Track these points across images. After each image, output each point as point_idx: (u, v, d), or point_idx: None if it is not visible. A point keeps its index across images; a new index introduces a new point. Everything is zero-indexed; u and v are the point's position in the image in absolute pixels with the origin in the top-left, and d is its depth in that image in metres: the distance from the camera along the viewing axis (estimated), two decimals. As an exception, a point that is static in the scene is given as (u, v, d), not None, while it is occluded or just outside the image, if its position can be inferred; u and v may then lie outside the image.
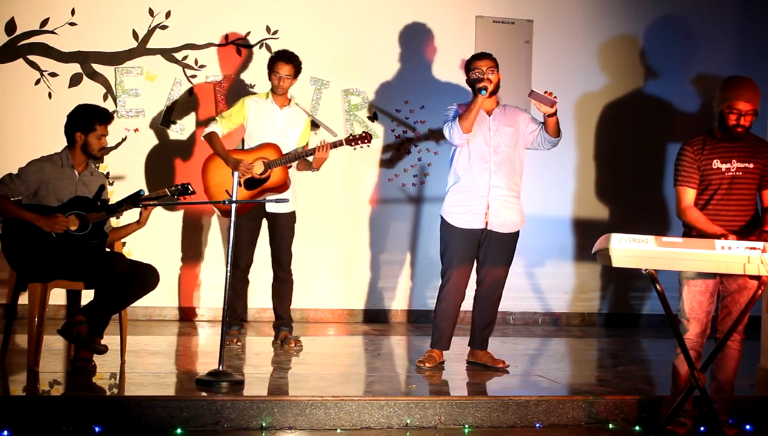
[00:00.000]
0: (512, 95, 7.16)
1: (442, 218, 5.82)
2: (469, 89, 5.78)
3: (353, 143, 6.35)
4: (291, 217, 6.44)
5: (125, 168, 7.46)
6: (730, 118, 4.63)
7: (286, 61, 6.31)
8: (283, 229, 6.41)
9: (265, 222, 6.46)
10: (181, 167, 7.59)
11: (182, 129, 7.62)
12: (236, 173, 5.14)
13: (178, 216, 7.65)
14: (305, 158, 6.32)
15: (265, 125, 6.36)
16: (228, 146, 6.51)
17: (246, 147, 6.40)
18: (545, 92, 5.37)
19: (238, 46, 7.70)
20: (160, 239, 7.45)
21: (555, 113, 5.47)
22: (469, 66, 5.77)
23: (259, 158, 6.25)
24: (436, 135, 7.93)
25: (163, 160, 7.59)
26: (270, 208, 6.33)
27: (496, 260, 5.77)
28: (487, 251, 5.76)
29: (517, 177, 5.78)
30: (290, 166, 6.35)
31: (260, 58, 7.67)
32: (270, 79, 6.37)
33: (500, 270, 5.80)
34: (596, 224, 8.20)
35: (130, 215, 5.76)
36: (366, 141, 6.36)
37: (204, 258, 7.66)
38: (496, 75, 5.69)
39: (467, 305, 5.91)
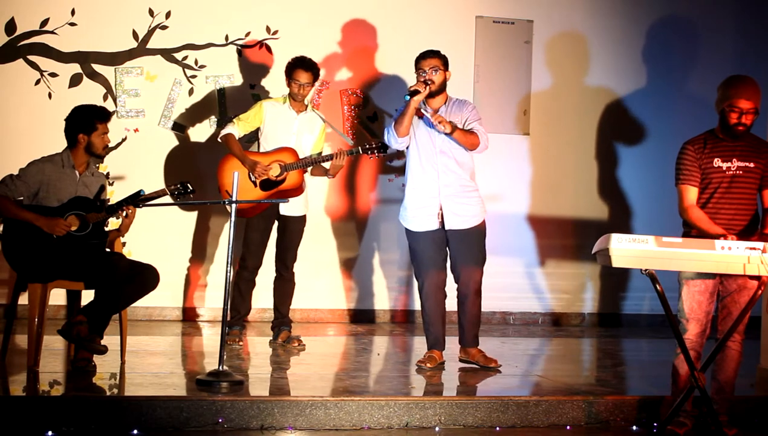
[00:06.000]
0: (512, 95, 7.16)
1: (402, 223, 5.80)
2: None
3: (369, 152, 6.36)
4: (302, 220, 6.48)
5: (125, 168, 7.46)
6: (731, 117, 4.61)
7: (305, 69, 6.30)
8: (293, 232, 6.45)
9: (276, 223, 6.49)
10: (180, 167, 7.59)
11: (182, 129, 7.62)
12: (236, 174, 5.12)
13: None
14: (321, 164, 6.33)
15: (281, 129, 6.37)
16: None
17: (261, 150, 6.41)
18: (432, 115, 5.41)
19: (238, 46, 7.70)
20: (163, 239, 7.45)
21: (451, 133, 5.43)
22: (415, 65, 5.62)
23: (276, 161, 6.26)
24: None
25: (163, 161, 7.59)
26: (283, 210, 6.36)
27: (465, 257, 5.65)
28: (456, 250, 5.66)
29: (467, 172, 5.66)
30: (306, 171, 6.36)
31: (260, 58, 7.68)
32: (289, 86, 6.36)
33: (472, 266, 5.65)
34: (596, 224, 8.20)
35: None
36: (382, 151, 6.35)
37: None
38: (440, 74, 5.56)
39: (455, 304, 5.89)
